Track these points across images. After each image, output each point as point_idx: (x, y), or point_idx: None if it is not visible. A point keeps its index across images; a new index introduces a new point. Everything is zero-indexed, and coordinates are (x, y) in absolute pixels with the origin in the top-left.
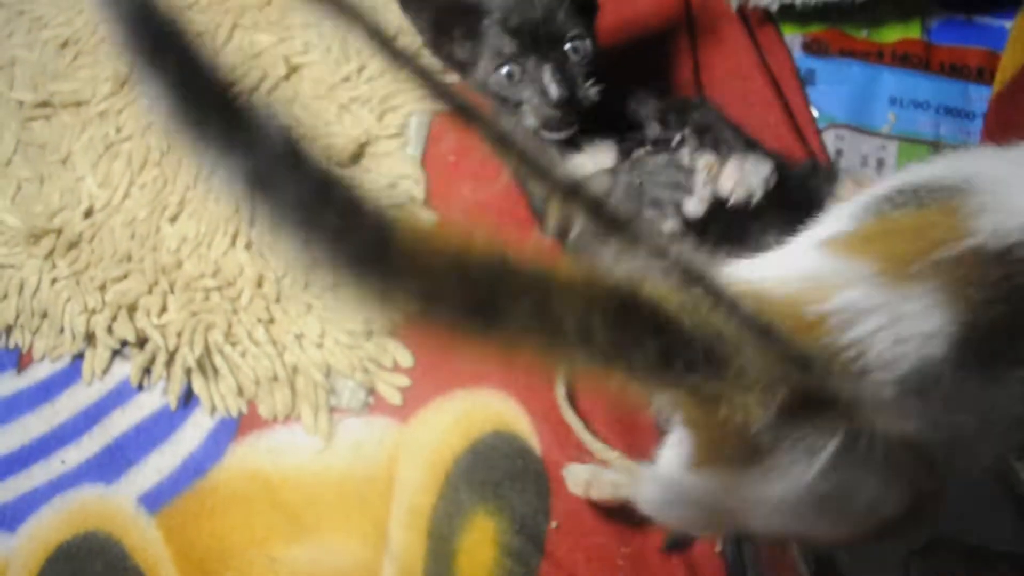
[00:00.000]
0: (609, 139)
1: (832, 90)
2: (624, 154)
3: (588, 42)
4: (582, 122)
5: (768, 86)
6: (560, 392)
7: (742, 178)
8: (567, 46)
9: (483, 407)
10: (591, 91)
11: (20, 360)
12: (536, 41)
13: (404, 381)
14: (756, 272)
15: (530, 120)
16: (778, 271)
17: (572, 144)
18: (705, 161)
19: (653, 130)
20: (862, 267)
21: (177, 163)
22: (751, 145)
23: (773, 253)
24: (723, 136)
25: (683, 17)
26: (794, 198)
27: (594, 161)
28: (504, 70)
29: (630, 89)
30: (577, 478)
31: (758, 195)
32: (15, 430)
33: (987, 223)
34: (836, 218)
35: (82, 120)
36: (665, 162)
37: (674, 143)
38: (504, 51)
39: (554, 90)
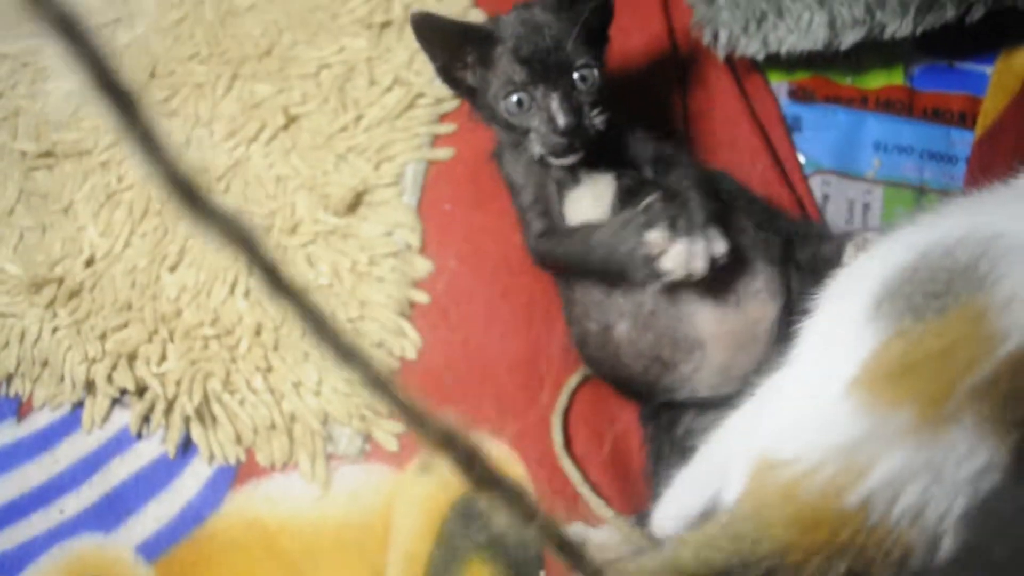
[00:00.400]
0: (608, 173)
1: (818, 136)
2: (622, 191)
3: (596, 72)
4: (587, 151)
5: (755, 133)
6: (558, 440)
7: (685, 261)
8: (575, 75)
9: None
10: (597, 119)
11: (20, 409)
12: (546, 70)
13: (401, 428)
14: (784, 445)
15: (537, 147)
16: (808, 443)
17: (572, 175)
18: (653, 238)
19: (647, 173)
20: (896, 419)
21: (177, 212)
22: (725, 211)
23: (799, 403)
24: (688, 208)
25: (672, 66)
26: (781, 251)
27: (593, 193)
28: (514, 98)
29: (631, 127)
30: None
31: (697, 276)
32: (15, 479)
33: (1019, 318)
34: (847, 317)
35: (84, 170)
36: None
37: (641, 207)
38: (514, 79)
39: (561, 118)
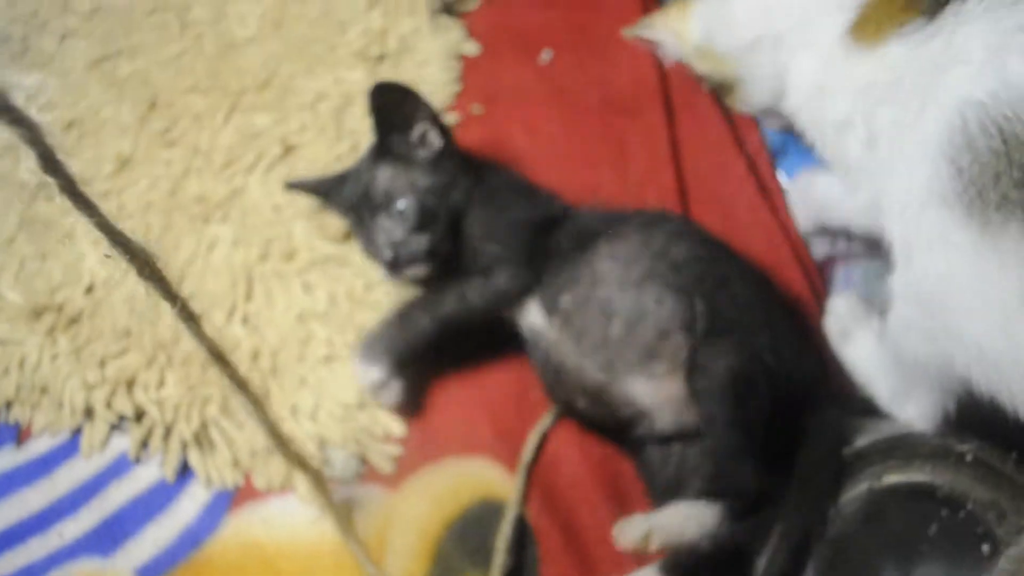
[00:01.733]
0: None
1: (801, 161)
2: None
3: (409, 198)
4: (443, 264)
5: (740, 158)
6: (526, 457)
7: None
8: (398, 205)
9: (473, 475)
10: (421, 241)
11: (19, 434)
12: (361, 215)
13: (395, 450)
14: None
15: (383, 274)
16: None
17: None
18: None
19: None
20: None
21: (176, 241)
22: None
23: None
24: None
25: (661, 95)
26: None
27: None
28: (359, 238)
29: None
30: (633, 529)
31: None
32: (13, 504)
33: None
34: None
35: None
36: None
37: None
38: (351, 225)
39: (383, 252)
